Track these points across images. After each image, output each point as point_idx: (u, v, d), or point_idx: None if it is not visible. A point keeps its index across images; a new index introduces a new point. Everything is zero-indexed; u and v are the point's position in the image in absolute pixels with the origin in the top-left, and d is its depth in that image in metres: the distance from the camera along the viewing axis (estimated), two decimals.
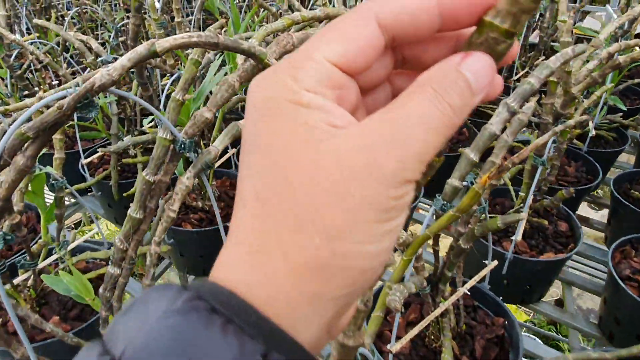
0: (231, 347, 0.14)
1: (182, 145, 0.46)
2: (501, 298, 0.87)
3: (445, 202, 0.56)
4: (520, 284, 0.86)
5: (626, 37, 1.21)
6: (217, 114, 0.87)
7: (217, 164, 1.06)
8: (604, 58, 0.78)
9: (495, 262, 0.72)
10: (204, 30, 1.67)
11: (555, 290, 1.68)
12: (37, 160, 0.63)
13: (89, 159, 1.07)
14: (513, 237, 0.80)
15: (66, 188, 0.68)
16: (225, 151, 1.11)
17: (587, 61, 0.82)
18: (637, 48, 0.84)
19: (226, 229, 0.89)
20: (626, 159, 1.41)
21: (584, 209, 1.25)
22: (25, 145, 0.39)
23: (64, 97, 0.36)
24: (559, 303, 1.62)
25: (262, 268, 0.17)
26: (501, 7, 0.18)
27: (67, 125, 1.17)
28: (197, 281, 0.17)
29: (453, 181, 0.56)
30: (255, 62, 0.47)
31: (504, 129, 0.53)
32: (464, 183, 0.56)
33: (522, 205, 0.86)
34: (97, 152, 1.04)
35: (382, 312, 0.55)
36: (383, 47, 0.19)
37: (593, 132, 1.06)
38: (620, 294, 0.77)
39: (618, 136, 1.20)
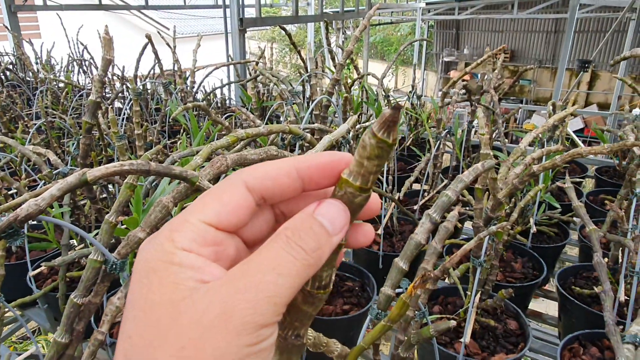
0: None
1: (114, 266, 0.47)
2: None
3: (380, 311, 0.57)
4: None
5: (555, 140, 1.33)
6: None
7: None
8: (529, 163, 0.86)
9: None
10: (169, 136, 1.73)
11: None
12: None
13: (37, 271, 1.04)
14: (462, 339, 0.80)
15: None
16: None
17: (527, 156, 0.89)
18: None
19: None
20: (575, 252, 1.47)
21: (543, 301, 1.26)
22: None
23: None
24: None
25: None
26: (352, 168, 0.22)
27: None
28: None
29: (386, 289, 0.57)
30: (189, 185, 0.50)
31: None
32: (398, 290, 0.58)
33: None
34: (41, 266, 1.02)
35: None
36: (254, 207, 0.22)
37: (534, 229, 1.12)
38: None
39: (560, 231, 1.26)
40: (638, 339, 0.56)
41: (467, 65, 8.87)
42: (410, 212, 1.25)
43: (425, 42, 7.68)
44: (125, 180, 0.51)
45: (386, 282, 0.58)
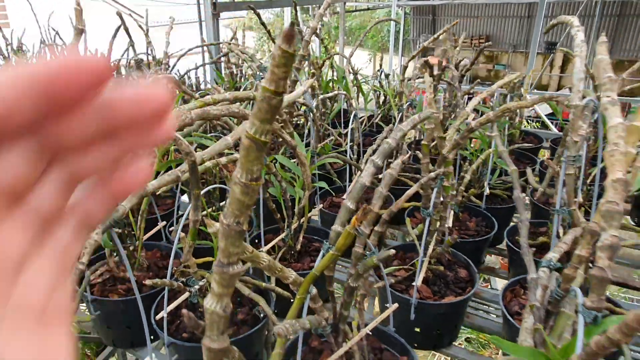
0: None
1: None
2: (415, 345, 0.94)
3: (330, 246, 0.65)
4: (430, 329, 0.94)
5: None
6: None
7: (147, 236, 1.11)
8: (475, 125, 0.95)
9: (396, 305, 0.80)
10: None
11: None
12: None
13: None
14: (414, 283, 0.89)
15: None
16: (155, 224, 1.17)
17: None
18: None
19: (145, 298, 0.92)
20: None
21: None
22: None
23: None
24: None
25: None
26: (268, 77, 0.29)
27: None
28: None
29: (336, 227, 0.65)
30: None
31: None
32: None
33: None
34: None
35: (281, 349, 0.61)
36: None
37: (487, 191, 1.22)
38: (511, 329, 0.86)
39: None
40: (552, 263, 0.65)
41: (444, 51, 8.99)
42: (376, 181, 1.33)
43: (402, 29, 7.75)
44: None
45: (336, 221, 0.66)
